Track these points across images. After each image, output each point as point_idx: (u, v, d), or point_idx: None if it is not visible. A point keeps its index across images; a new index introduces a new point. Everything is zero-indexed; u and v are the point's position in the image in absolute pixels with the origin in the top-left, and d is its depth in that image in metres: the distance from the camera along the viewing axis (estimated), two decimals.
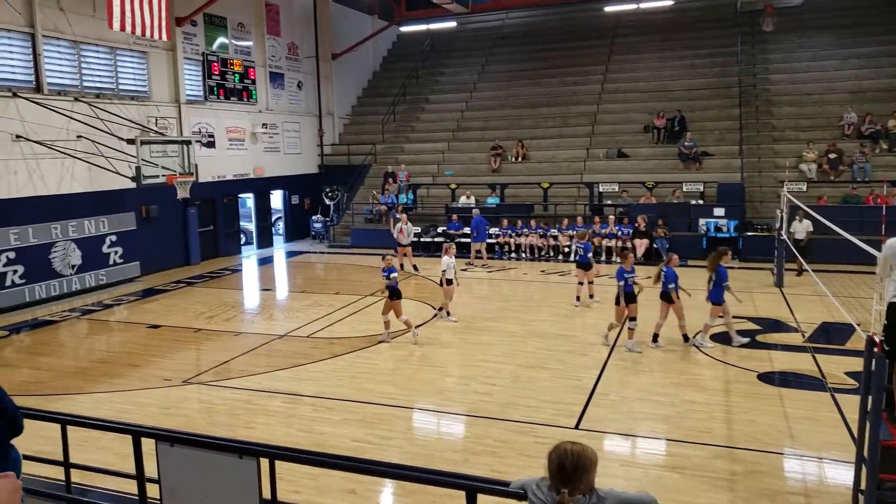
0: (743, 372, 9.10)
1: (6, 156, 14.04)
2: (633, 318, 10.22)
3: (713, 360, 9.66)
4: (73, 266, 15.37)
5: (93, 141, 15.15)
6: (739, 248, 17.40)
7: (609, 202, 19.86)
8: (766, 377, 8.87)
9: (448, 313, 12.31)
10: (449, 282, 12.09)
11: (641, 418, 7.68)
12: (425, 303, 13.60)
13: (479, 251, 18.21)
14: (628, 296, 10.21)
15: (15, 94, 14.09)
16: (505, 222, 19.49)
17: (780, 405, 7.90)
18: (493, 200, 20.94)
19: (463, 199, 20.80)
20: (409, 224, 17.62)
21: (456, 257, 12.37)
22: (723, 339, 10.44)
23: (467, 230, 18.96)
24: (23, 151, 14.29)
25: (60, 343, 11.79)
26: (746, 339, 10.32)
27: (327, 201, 23.96)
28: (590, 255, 13.59)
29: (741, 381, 8.77)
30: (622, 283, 10.22)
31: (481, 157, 23.15)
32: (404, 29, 29.51)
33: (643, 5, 25.39)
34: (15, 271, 14.14)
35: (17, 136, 14.11)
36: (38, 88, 14.72)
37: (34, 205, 14.56)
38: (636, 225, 18.15)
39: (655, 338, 10.38)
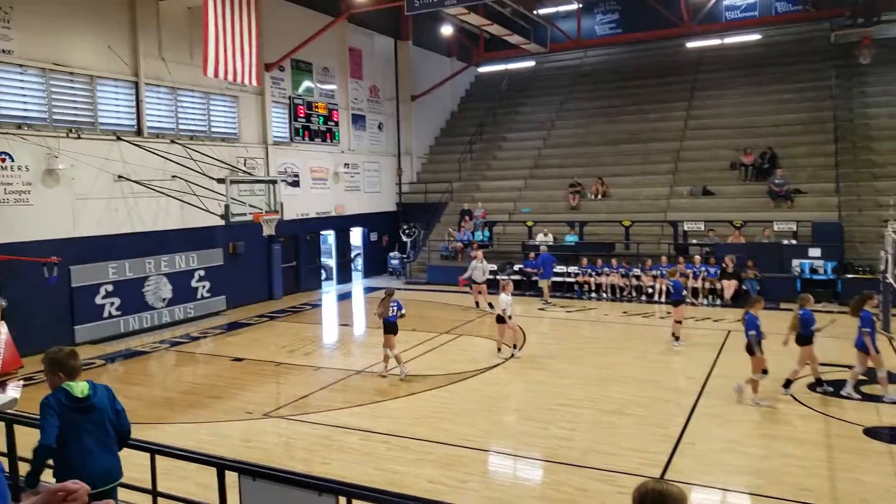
0: (847, 425, 8.50)
1: (109, 195, 14.91)
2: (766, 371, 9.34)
3: (812, 412, 9.03)
4: (164, 299, 15.99)
5: (186, 180, 15.81)
6: (838, 292, 16.46)
7: (694, 241, 19.24)
8: (873, 432, 8.25)
9: (499, 349, 12.26)
10: (502, 319, 12.03)
11: (732, 471, 7.25)
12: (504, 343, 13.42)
13: (543, 288, 18.19)
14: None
15: (118, 138, 15.04)
16: (584, 261, 19.18)
17: (890, 463, 7.35)
18: (571, 238, 20.66)
19: (540, 237, 20.64)
20: (485, 262, 17.57)
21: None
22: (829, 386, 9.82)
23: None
24: (123, 191, 15.15)
25: (150, 373, 12.25)
26: (859, 396, 9.49)
27: (404, 238, 24.25)
28: (684, 292, 13.04)
29: (844, 435, 8.19)
30: (753, 332, 9.19)
31: (559, 195, 22.98)
32: (482, 70, 30.12)
33: (728, 40, 24.96)
34: (112, 303, 14.90)
35: (119, 177, 15.01)
36: (138, 132, 15.65)
37: (131, 241, 15.30)
38: (723, 265, 17.50)
39: (788, 384, 9.71)
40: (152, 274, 15.76)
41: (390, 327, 11.12)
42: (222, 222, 15.14)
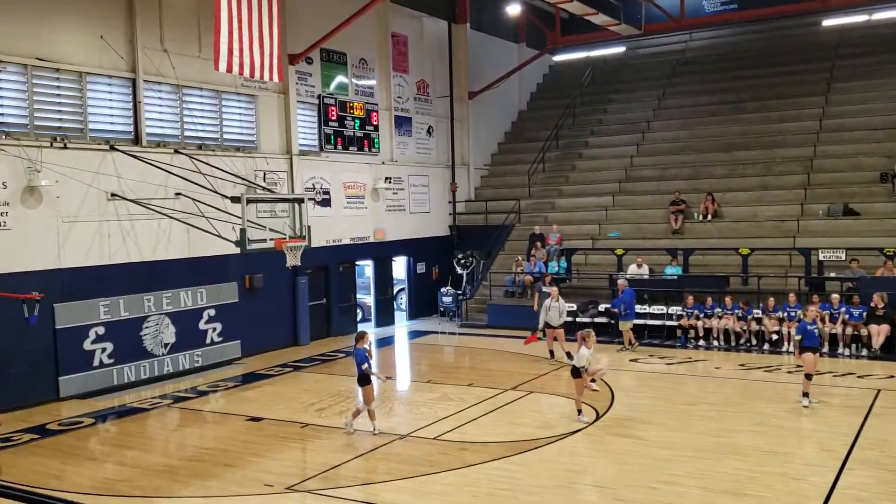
0: None
1: (100, 217, 15.28)
2: None
3: None
4: (165, 345, 16.33)
5: (193, 199, 16.11)
6: None
7: (833, 275, 18.81)
8: None
9: (580, 411, 12.36)
10: (578, 373, 12.10)
11: None
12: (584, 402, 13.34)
13: (624, 332, 18.27)
14: None
15: (112, 147, 15.51)
16: (690, 300, 18.97)
17: None
18: (673, 270, 20.42)
19: (633, 269, 20.47)
20: (561, 300, 17.50)
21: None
22: None
23: (638, 307, 18.81)
24: (117, 212, 15.52)
25: (149, 435, 12.49)
26: None
27: (459, 270, 24.27)
28: (814, 334, 12.91)
29: None
30: None
31: (657, 215, 22.88)
32: (558, 58, 30.33)
33: (877, 16, 24.45)
34: (104, 349, 15.19)
35: (113, 195, 15.38)
36: (136, 140, 16.13)
37: (126, 273, 15.62)
38: (871, 305, 17.08)
39: None
40: (152, 313, 16.13)
41: (360, 379, 11.69)
42: (237, 250, 15.24)
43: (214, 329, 17.43)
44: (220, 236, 15.89)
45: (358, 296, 22.42)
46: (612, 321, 19.29)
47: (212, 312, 17.35)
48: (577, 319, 19.52)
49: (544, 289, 18.74)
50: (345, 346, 19.54)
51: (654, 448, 10.83)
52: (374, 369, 12.07)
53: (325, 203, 20.81)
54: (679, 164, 24.49)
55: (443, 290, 24.13)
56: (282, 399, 14.22)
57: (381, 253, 22.94)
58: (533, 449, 10.87)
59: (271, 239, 15.50)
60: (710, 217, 22.02)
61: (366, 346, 11.86)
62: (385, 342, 20.75)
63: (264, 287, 18.56)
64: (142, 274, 16.01)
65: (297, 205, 16.53)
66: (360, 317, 22.56)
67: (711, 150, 24.47)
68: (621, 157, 25.87)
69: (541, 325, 17.37)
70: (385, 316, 23.18)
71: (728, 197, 22.49)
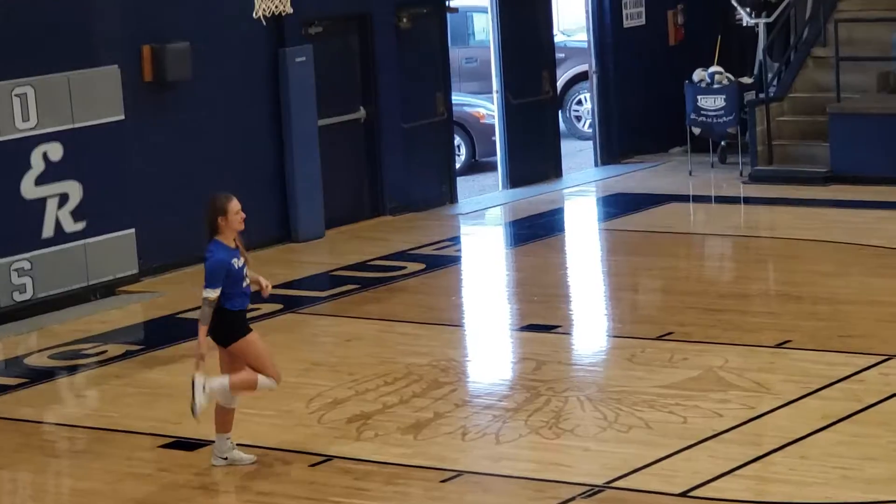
0: None
1: None
2: None
3: None
4: None
5: None
6: None
7: None
8: None
9: None
10: None
11: None
12: None
13: None
14: None
15: None
16: None
17: None
18: None
19: None
20: None
21: None
22: None
23: None
24: None
25: None
26: None
27: (747, 19, 22.91)
28: None
29: None
30: None
31: None
32: None
33: None
34: None
35: None
36: None
37: None
38: None
39: None
40: None
41: (233, 324, 10.72)
42: None
43: (64, 198, 16.83)
44: None
45: (457, 99, 22.25)
46: None
47: (53, 152, 16.80)
48: None
49: None
50: (419, 240, 20.19)
51: None
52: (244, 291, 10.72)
53: None
54: None
55: (699, 76, 22.89)
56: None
57: None
58: None
59: None
60: None
61: (230, 235, 10.66)
62: (537, 228, 20.50)
63: (195, 81, 17.91)
64: None
65: None
66: (461, 157, 22.50)
67: None
68: None
69: None
70: (532, 155, 22.35)
71: None
